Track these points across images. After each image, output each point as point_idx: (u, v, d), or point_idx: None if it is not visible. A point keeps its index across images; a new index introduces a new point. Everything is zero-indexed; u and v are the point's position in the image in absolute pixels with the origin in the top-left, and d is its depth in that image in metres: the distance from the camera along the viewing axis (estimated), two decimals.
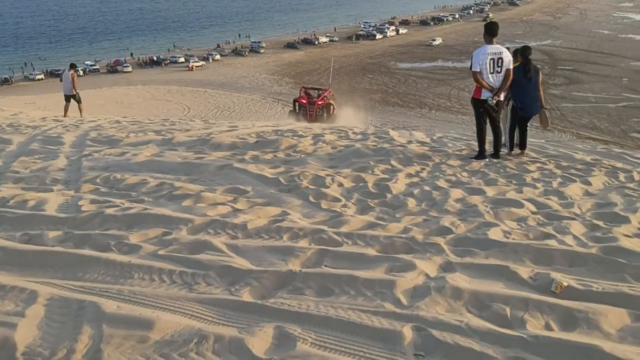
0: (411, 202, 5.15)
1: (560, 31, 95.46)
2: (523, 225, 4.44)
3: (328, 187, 5.61)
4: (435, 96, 61.89)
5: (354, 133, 9.71)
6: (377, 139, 8.63)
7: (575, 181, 6.02)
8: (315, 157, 7.17)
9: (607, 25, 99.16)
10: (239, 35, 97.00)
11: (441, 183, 5.87)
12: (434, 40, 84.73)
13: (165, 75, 73.88)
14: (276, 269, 3.36)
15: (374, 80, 68.83)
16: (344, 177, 6.03)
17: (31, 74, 72.70)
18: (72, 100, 15.98)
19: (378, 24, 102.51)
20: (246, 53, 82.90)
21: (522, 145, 7.55)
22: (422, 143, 8.31)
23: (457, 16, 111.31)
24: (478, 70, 7.04)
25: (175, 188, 5.46)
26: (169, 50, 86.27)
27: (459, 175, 6.31)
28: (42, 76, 72.05)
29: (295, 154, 7.44)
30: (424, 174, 6.35)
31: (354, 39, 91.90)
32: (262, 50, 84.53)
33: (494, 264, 3.47)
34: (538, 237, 4.08)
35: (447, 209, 4.93)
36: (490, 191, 5.58)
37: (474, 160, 7.11)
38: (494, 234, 4.06)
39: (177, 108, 58.10)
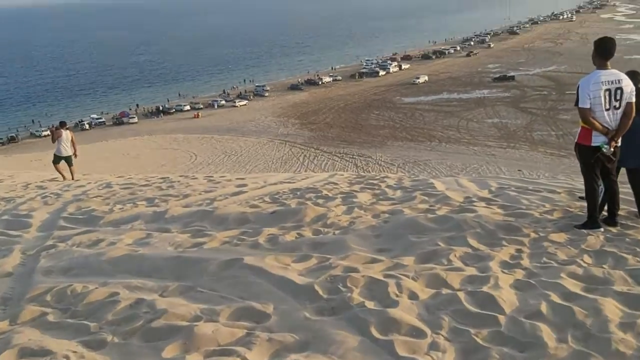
0: (547, 334, 3.21)
1: (564, 57, 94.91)
2: None
3: (395, 301, 3.71)
4: (444, 128, 60.66)
5: (389, 187, 7.89)
6: (425, 197, 6.80)
7: None
8: (356, 235, 5.31)
9: None
10: (244, 80, 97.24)
11: (567, 282, 3.93)
12: (418, 78, 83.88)
13: (171, 123, 73.55)
14: None
15: (380, 116, 67.88)
16: (411, 276, 4.14)
17: (37, 131, 72.57)
18: (62, 161, 14.60)
19: (380, 61, 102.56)
20: (251, 97, 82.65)
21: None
22: (487, 201, 6.44)
23: (458, 48, 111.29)
24: (588, 106, 5.04)
25: (156, 313, 3.68)
26: (168, 100, 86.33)
27: (582, 263, 4.31)
28: (47, 132, 71.81)
29: (327, 230, 5.63)
30: (525, 262, 4.40)
31: (357, 77, 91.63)
32: (266, 94, 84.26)
33: None
34: None
35: (616, 350, 2.99)
36: None
37: (586, 231, 5.12)
38: None
39: (184, 156, 57.27)
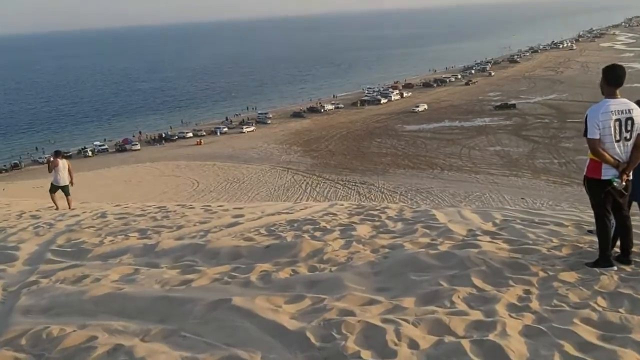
0: None
1: (565, 85, 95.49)
2: None
3: (394, 351, 3.37)
4: (446, 156, 60.64)
5: (390, 219, 7.60)
6: (426, 230, 6.52)
7: None
8: (353, 273, 4.97)
9: None
10: (247, 107, 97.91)
11: (580, 329, 3.57)
12: (418, 106, 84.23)
13: (173, 151, 73.79)
14: None
15: (382, 144, 67.99)
16: (411, 321, 3.79)
17: (40, 158, 72.80)
18: (58, 190, 14.41)
19: (382, 89, 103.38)
20: (253, 124, 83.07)
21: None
22: (492, 235, 6.15)
23: (459, 76, 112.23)
24: (597, 137, 4.74)
25: None
26: (171, 127, 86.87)
27: (597, 307, 3.96)
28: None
29: (323, 266, 5.33)
30: (534, 304, 4.04)
31: (359, 105, 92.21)
32: (269, 121, 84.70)
33: None
34: None
35: None
36: None
37: (598, 270, 4.75)
38: None
39: (186, 183, 57.25)
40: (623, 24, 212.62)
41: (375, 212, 8.34)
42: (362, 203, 10.82)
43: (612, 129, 4.74)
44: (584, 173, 5.05)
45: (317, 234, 6.80)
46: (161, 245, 6.46)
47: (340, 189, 51.49)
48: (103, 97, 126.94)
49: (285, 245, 6.14)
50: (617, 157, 4.78)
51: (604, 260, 4.84)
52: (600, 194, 4.88)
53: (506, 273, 4.72)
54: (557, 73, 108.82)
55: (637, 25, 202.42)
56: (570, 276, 4.59)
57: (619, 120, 4.75)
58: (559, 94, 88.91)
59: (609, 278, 4.51)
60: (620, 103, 4.82)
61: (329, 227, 7.22)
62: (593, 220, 6.84)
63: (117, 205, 12.83)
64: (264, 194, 51.08)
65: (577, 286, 4.38)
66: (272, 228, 7.49)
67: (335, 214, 8.48)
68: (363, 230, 6.87)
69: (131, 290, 4.80)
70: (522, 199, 44.48)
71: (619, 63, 5.28)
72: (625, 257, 4.95)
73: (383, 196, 48.11)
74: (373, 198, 47.68)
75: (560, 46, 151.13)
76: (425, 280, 4.65)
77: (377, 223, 7.35)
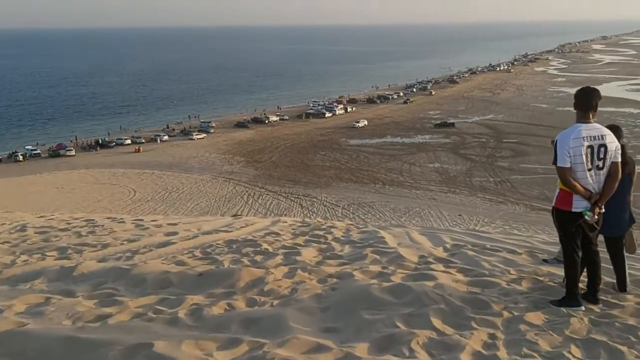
0: None
1: (501, 106, 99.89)
2: None
3: None
4: (388, 171, 61.71)
5: (336, 240, 7.26)
6: (376, 256, 6.21)
7: None
8: (298, 309, 4.47)
9: (544, 99, 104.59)
10: (189, 116, 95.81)
11: None
12: (358, 122, 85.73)
13: (110, 157, 71.00)
14: None
15: (326, 157, 68.35)
16: None
17: None
18: None
19: (327, 103, 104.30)
20: (195, 133, 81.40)
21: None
22: (444, 262, 5.90)
23: (401, 94, 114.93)
24: (568, 165, 4.36)
25: None
26: (109, 133, 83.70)
27: (571, 358, 3.67)
28: None
29: (263, 299, 4.82)
30: (502, 353, 3.70)
31: (304, 117, 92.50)
32: (211, 130, 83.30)
33: None
34: None
35: None
36: None
37: (566, 310, 4.39)
38: None
39: (122, 192, 55.13)
40: (556, 49, 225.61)
41: (321, 233, 7.99)
42: (307, 220, 10.50)
43: (584, 156, 4.35)
44: (553, 204, 4.65)
45: (258, 258, 6.36)
46: (80, 269, 5.82)
47: (282, 201, 51.15)
48: (38, 100, 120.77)
49: (222, 272, 5.58)
50: (589, 188, 4.39)
51: (571, 300, 4.49)
52: (570, 227, 4.48)
53: (467, 312, 4.36)
54: (494, 94, 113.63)
55: (569, 52, 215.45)
56: (536, 317, 4.26)
57: (590, 147, 4.35)
58: (495, 114, 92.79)
59: (579, 321, 4.18)
60: (593, 128, 4.42)
61: (271, 249, 6.79)
62: (544, 247, 6.72)
63: (41, 217, 11.94)
64: (204, 205, 49.92)
65: (547, 330, 4.06)
66: (208, 250, 7.00)
67: (278, 234, 8.07)
68: (308, 254, 6.49)
69: (35, 327, 4.16)
70: (459, 215, 45.79)
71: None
72: (592, 296, 4.60)
73: (326, 209, 48.19)
74: (316, 211, 47.64)
75: (497, 69, 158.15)
76: (379, 320, 4.21)
77: (324, 246, 7.00)
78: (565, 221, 4.51)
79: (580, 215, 4.40)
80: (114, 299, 4.86)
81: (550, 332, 4.03)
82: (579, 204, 4.41)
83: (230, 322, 4.20)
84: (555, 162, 4.43)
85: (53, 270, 5.85)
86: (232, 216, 48.05)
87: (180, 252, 6.99)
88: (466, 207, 49.07)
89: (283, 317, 4.25)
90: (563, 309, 4.40)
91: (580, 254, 4.55)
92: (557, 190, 4.57)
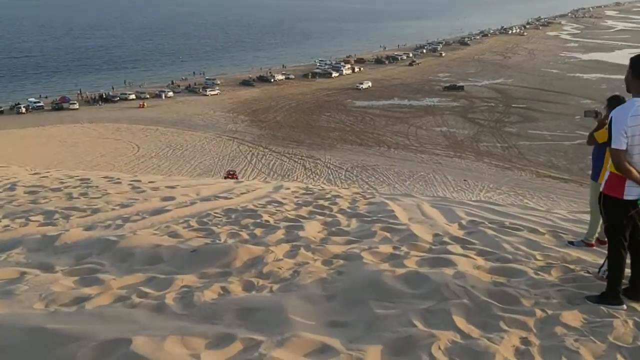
0: None
1: (512, 70, 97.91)
2: None
3: None
4: (393, 134, 60.96)
5: (342, 212, 6.91)
6: (386, 233, 5.80)
7: None
8: (300, 297, 3.97)
9: (555, 65, 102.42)
10: (194, 72, 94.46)
11: None
12: (362, 83, 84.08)
13: (114, 112, 70.37)
14: None
15: (331, 118, 67.51)
16: None
17: None
18: None
19: (334, 62, 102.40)
20: (200, 90, 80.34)
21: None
22: (462, 243, 5.44)
23: (411, 55, 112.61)
24: (623, 148, 3.74)
25: None
26: (113, 88, 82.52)
27: None
28: None
29: (262, 283, 4.35)
30: None
31: (310, 77, 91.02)
32: (217, 88, 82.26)
33: None
34: None
35: None
36: None
37: (606, 309, 3.85)
38: None
39: (126, 147, 54.82)
40: (569, 14, 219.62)
41: (326, 204, 7.65)
42: (310, 187, 10.09)
43: None
44: (601, 189, 4.06)
45: (258, 231, 5.93)
46: (63, 238, 5.48)
47: (286, 161, 50.79)
48: (43, 52, 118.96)
49: (217, 249, 5.09)
50: None
51: (612, 297, 3.95)
52: (620, 218, 3.89)
53: (494, 310, 3.81)
54: (505, 58, 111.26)
55: (583, 17, 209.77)
56: (573, 317, 3.73)
57: None
58: (505, 78, 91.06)
59: (624, 324, 3.65)
60: None
61: (272, 222, 6.44)
62: (567, 226, 6.33)
63: (35, 174, 11.56)
64: (207, 163, 49.66)
65: (587, 335, 3.52)
66: (205, 219, 6.64)
67: (280, 203, 7.76)
68: (312, 229, 6.05)
69: (2, 311, 3.69)
70: (465, 180, 45.41)
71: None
72: (634, 293, 4.06)
73: (329, 171, 47.86)
74: (319, 173, 47.31)
75: (510, 32, 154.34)
76: (393, 316, 3.68)
77: (329, 219, 6.63)
78: (615, 210, 3.92)
79: (633, 204, 3.84)
80: (95, 277, 4.44)
81: (591, 337, 3.49)
82: (632, 191, 3.83)
83: (224, 311, 3.75)
84: (609, 142, 3.82)
85: (34, 239, 5.51)
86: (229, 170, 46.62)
87: (175, 221, 6.66)
88: (472, 172, 48.62)
89: (283, 308, 3.77)
90: (603, 308, 3.87)
91: (626, 249, 4.00)
92: (607, 174, 3.98)
